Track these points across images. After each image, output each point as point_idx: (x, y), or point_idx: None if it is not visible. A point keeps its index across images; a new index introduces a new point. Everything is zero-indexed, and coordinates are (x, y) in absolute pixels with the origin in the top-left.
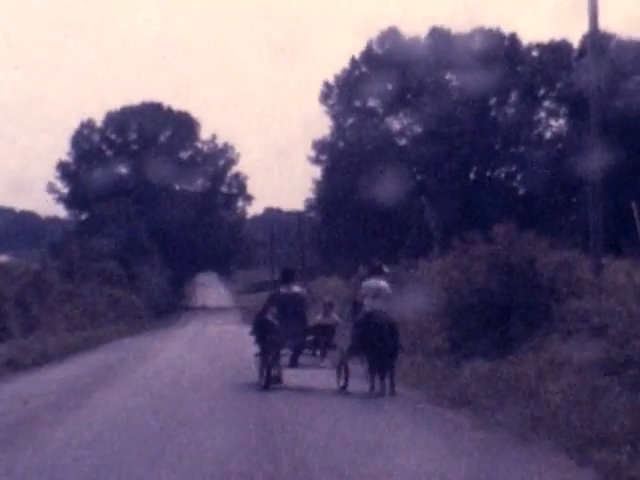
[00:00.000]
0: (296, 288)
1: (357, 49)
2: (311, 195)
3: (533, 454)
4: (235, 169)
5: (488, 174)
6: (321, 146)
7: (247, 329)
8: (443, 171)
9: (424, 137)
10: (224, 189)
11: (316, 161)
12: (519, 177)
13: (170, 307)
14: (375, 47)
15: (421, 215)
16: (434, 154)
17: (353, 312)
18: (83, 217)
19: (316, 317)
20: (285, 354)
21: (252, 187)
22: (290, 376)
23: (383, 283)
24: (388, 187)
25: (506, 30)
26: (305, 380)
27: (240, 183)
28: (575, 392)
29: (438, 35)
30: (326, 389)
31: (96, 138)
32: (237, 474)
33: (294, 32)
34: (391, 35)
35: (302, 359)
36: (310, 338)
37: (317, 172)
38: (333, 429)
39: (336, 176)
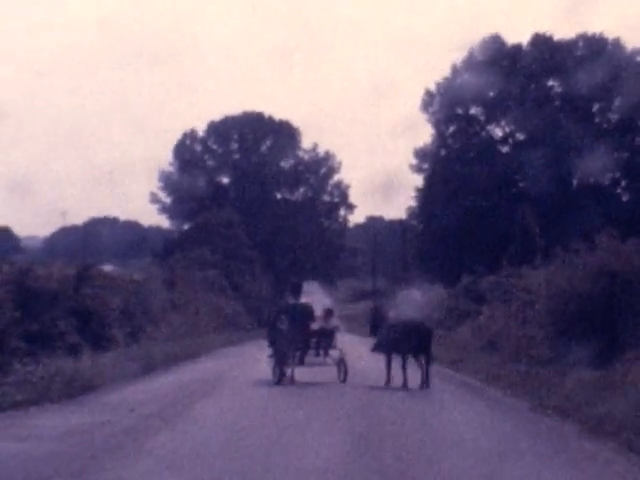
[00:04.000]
0: (302, 299)
1: (458, 56)
2: (413, 203)
3: None
4: (337, 177)
5: (591, 180)
6: (423, 154)
7: (347, 337)
8: (545, 178)
9: (526, 144)
10: (326, 198)
11: (418, 169)
12: (623, 183)
13: None
14: (477, 54)
15: (524, 222)
16: (536, 161)
17: (372, 316)
18: (185, 226)
19: (320, 322)
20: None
21: (354, 195)
22: (298, 373)
23: (416, 293)
24: (490, 194)
25: (610, 35)
26: (312, 376)
27: (342, 192)
28: None
29: (541, 41)
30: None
31: (198, 148)
32: None
33: (397, 40)
34: (493, 42)
35: (307, 358)
36: (314, 340)
37: (419, 180)
38: (444, 434)
39: (438, 184)
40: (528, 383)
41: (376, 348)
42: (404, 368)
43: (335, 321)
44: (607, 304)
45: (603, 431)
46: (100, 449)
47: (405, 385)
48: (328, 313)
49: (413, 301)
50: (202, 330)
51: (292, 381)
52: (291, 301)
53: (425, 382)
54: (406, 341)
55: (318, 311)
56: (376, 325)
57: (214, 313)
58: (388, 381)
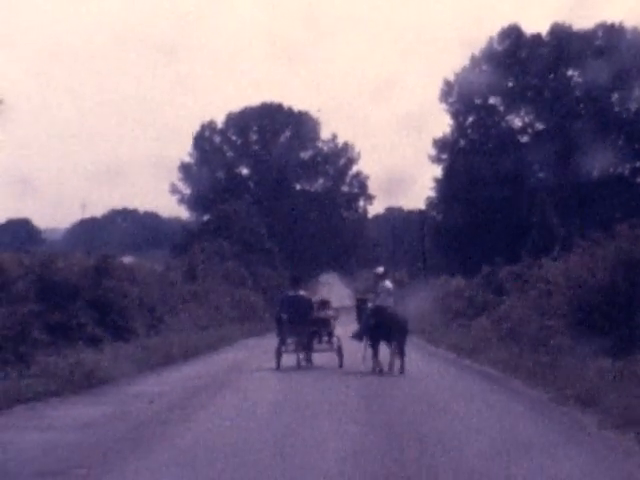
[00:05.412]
0: (301, 292)
1: (477, 46)
2: (432, 194)
3: None
4: (356, 168)
5: (611, 170)
6: (442, 145)
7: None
8: (565, 168)
9: (545, 134)
10: (345, 189)
11: (437, 160)
12: None
13: None
14: (496, 44)
15: (543, 213)
16: (555, 151)
17: (357, 307)
18: (204, 218)
19: (316, 312)
20: (292, 342)
21: (373, 186)
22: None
23: (390, 284)
24: (509, 185)
25: (629, 24)
26: (315, 361)
27: (361, 182)
28: None
29: (559, 31)
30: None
31: (217, 139)
32: None
33: (415, 30)
34: (512, 32)
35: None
36: (314, 329)
37: (438, 171)
38: (464, 423)
39: (457, 174)
40: (548, 373)
41: (354, 336)
42: (375, 354)
43: (330, 311)
44: (627, 294)
45: (623, 421)
46: (120, 440)
47: (373, 368)
48: (323, 304)
49: (386, 292)
50: (222, 321)
51: (307, 362)
52: (290, 293)
53: (401, 367)
54: (378, 327)
55: (343, 301)
56: (360, 314)
57: (234, 304)
58: (374, 368)
